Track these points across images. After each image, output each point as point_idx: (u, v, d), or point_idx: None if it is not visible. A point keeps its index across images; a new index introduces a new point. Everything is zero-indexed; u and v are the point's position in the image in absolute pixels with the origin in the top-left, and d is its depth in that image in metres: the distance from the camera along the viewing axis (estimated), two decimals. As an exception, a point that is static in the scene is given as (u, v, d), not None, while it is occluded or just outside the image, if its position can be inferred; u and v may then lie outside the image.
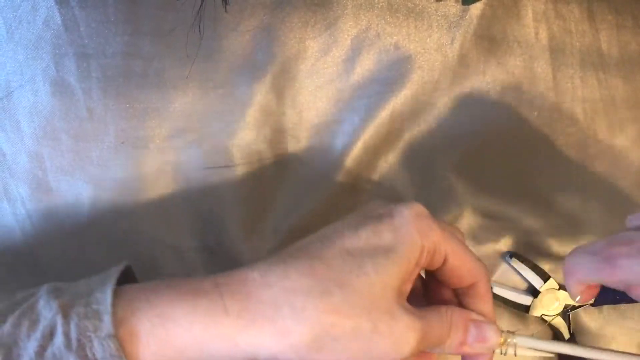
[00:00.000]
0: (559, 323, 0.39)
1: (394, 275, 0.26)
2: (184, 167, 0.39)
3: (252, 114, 0.39)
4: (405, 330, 0.26)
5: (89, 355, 0.24)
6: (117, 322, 0.25)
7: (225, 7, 0.38)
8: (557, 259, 0.41)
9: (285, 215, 0.40)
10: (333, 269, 0.26)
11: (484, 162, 0.41)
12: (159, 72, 0.38)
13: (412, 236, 0.27)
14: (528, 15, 0.41)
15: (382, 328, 0.25)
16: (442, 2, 0.40)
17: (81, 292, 0.26)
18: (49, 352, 0.24)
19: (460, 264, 0.29)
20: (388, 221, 0.27)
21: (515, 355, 0.30)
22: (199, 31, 0.38)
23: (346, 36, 0.40)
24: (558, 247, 0.41)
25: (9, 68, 0.38)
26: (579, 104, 0.41)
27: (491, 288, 0.31)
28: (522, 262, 0.40)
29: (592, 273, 0.29)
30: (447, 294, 0.31)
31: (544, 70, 0.41)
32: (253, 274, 0.26)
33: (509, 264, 0.40)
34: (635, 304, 0.40)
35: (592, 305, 0.40)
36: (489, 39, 0.41)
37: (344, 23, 0.40)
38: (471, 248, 0.40)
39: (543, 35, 0.41)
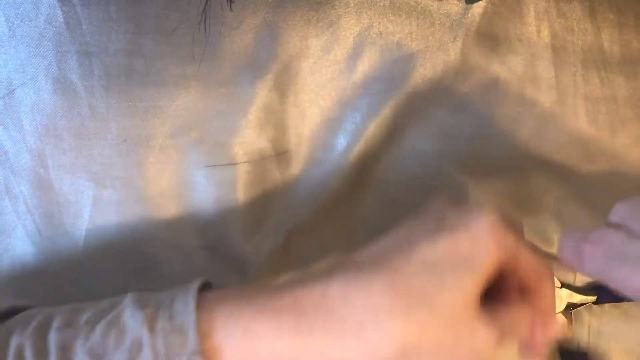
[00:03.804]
0: (561, 321, 0.39)
1: (473, 288, 0.26)
2: (186, 166, 0.39)
3: (254, 112, 0.39)
4: (484, 341, 0.26)
5: None
6: (201, 337, 0.25)
7: (230, 6, 0.38)
8: (558, 257, 0.41)
9: (288, 214, 0.40)
10: (414, 284, 0.26)
11: (487, 160, 0.41)
12: (161, 70, 0.38)
13: (490, 248, 0.27)
14: (530, 13, 0.41)
15: (465, 340, 0.26)
16: (445, 1, 0.40)
17: (164, 300, 0.27)
18: None
19: (529, 272, 0.29)
20: (465, 232, 0.27)
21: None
22: (205, 30, 0.38)
23: (348, 34, 0.40)
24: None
25: (11, 66, 0.37)
26: (581, 102, 0.41)
27: (554, 287, 0.31)
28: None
29: (568, 259, 0.29)
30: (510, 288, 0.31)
31: (545, 68, 0.41)
32: (333, 289, 0.26)
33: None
34: (638, 302, 0.40)
35: (594, 303, 0.40)
36: (491, 37, 0.41)
37: (346, 21, 0.40)
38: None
39: (545, 33, 0.41)
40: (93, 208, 0.38)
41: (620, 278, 0.27)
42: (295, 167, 0.40)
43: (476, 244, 0.27)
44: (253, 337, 0.26)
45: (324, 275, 0.27)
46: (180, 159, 0.39)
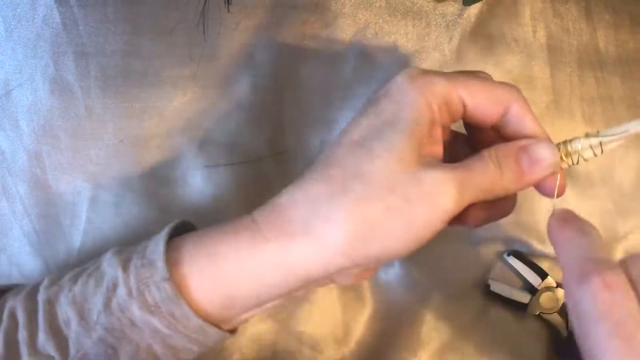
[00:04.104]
0: (557, 320, 0.39)
1: (407, 145, 0.25)
2: (183, 166, 0.39)
3: (251, 112, 0.39)
4: (436, 185, 0.25)
5: (149, 300, 0.26)
6: (170, 267, 0.26)
7: (228, 7, 0.38)
8: (555, 257, 0.41)
9: (284, 214, 0.40)
10: (347, 166, 0.25)
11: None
12: (158, 71, 0.38)
13: (412, 99, 0.26)
14: (526, 13, 0.41)
15: (412, 194, 0.24)
16: (441, 2, 0.40)
17: (139, 248, 0.28)
18: (114, 303, 0.27)
19: (483, 98, 0.27)
20: (385, 97, 0.26)
21: (586, 159, 0.27)
22: (203, 31, 0.38)
23: (345, 35, 0.40)
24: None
25: (8, 67, 0.38)
26: (577, 103, 0.41)
27: (529, 107, 0.27)
28: (520, 260, 0.40)
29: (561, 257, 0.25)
30: (493, 141, 0.28)
31: (541, 68, 0.41)
32: (281, 199, 0.27)
33: (507, 263, 0.40)
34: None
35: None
36: (487, 38, 0.41)
37: (342, 22, 0.40)
38: (468, 248, 0.40)
39: (541, 33, 0.41)
40: (90, 208, 0.38)
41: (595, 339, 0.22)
42: (293, 168, 0.40)
43: (396, 102, 0.26)
44: (216, 258, 0.27)
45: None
46: (177, 159, 0.39)
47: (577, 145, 0.27)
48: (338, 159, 0.26)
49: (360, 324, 0.39)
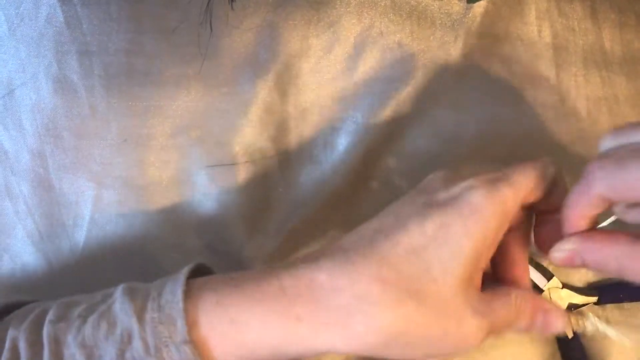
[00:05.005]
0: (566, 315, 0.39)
1: (463, 274, 0.25)
2: (186, 165, 0.38)
3: (255, 112, 0.39)
4: (473, 332, 0.26)
5: (167, 359, 0.25)
6: (190, 326, 0.26)
7: (232, 5, 0.38)
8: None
9: (289, 214, 0.40)
10: (402, 274, 0.25)
11: (488, 159, 0.41)
12: (161, 69, 0.38)
13: (483, 223, 0.25)
14: (531, 13, 0.41)
15: (451, 333, 0.25)
16: (446, 0, 0.40)
17: (153, 293, 0.27)
18: (128, 355, 0.25)
19: (541, 199, 0.28)
20: (454, 210, 0.26)
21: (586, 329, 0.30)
22: (207, 29, 0.38)
23: (349, 34, 0.40)
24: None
25: (11, 66, 0.37)
26: (582, 102, 0.41)
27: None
28: (525, 260, 0.40)
29: (606, 181, 0.25)
30: (514, 271, 0.30)
31: (547, 68, 0.41)
32: (320, 277, 0.26)
33: (512, 263, 0.40)
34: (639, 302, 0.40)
35: (595, 304, 0.39)
36: (492, 37, 0.40)
37: (347, 21, 0.40)
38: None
39: (546, 33, 0.41)
40: (93, 208, 0.38)
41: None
42: (296, 167, 0.39)
43: (466, 222, 0.25)
44: (240, 326, 0.26)
45: (311, 261, 0.27)
46: (181, 159, 0.38)
47: (588, 323, 0.31)
48: (395, 263, 0.25)
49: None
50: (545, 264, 0.40)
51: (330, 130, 0.39)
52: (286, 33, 0.39)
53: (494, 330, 0.27)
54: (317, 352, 0.26)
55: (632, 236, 0.25)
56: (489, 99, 0.40)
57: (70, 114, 0.38)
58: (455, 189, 0.27)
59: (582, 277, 0.40)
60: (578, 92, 0.41)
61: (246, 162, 0.39)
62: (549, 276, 0.39)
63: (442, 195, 0.27)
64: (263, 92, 0.39)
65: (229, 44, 0.39)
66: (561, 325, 0.29)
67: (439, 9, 0.40)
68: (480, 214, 0.25)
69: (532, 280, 0.40)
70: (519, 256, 0.30)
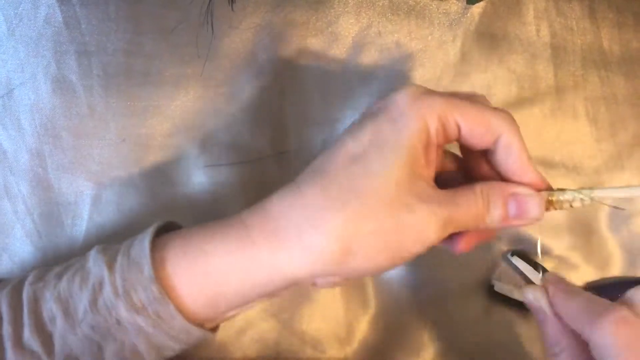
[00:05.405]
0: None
1: (403, 166, 0.26)
2: (184, 165, 0.38)
3: (253, 112, 0.39)
4: (425, 220, 0.26)
5: (135, 300, 0.27)
6: (156, 268, 0.27)
7: (232, 6, 0.38)
8: (558, 257, 0.41)
9: (287, 213, 0.40)
10: (343, 180, 0.26)
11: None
12: (160, 70, 0.38)
13: (411, 120, 0.26)
14: (529, 12, 0.41)
15: (403, 222, 0.26)
16: (444, 0, 0.40)
17: (123, 247, 0.28)
18: (100, 302, 0.27)
19: (475, 124, 0.27)
20: (385, 114, 0.27)
21: (572, 207, 0.28)
22: (207, 30, 0.38)
23: (347, 34, 0.40)
24: (559, 245, 0.41)
25: (10, 65, 0.38)
26: (581, 102, 0.41)
27: (520, 138, 0.28)
28: (523, 260, 0.40)
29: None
30: (486, 169, 0.30)
31: (545, 67, 0.41)
32: (271, 202, 0.27)
33: (511, 263, 0.40)
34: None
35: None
36: (491, 37, 0.41)
37: (345, 21, 0.40)
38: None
39: (544, 32, 0.41)
40: (92, 207, 0.38)
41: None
42: (295, 167, 0.39)
43: (395, 122, 0.26)
44: (203, 258, 0.27)
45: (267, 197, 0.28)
46: (180, 159, 0.39)
47: (568, 197, 0.28)
48: (335, 171, 0.26)
49: (363, 323, 0.39)
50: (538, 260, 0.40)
51: (328, 130, 0.40)
52: (285, 33, 0.39)
53: (460, 222, 0.27)
54: (285, 276, 0.26)
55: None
56: (487, 98, 0.40)
57: (69, 114, 0.38)
58: (385, 97, 0.28)
59: (581, 277, 0.40)
60: (576, 92, 0.41)
61: (245, 162, 0.39)
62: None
63: (377, 105, 0.28)
64: (261, 92, 0.39)
65: (228, 44, 0.39)
66: (538, 210, 0.28)
67: (437, 9, 0.40)
68: (408, 114, 0.26)
69: (529, 280, 0.40)
70: (515, 166, 0.29)
